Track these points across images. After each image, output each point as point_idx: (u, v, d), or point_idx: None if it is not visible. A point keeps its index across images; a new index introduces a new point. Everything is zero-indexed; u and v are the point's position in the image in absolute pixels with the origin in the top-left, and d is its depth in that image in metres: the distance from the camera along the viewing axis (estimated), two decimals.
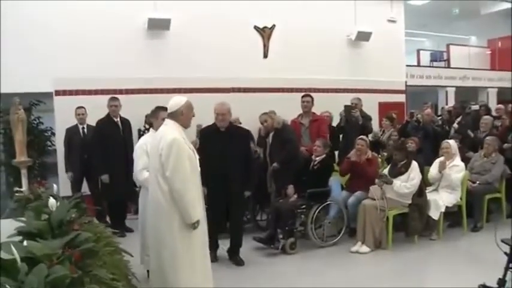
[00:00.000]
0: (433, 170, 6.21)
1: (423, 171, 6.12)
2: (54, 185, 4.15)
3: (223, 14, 8.32)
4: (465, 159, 6.53)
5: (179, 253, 3.46)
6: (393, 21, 10.35)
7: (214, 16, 8.25)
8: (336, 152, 7.29)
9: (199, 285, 3.56)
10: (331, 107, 7.77)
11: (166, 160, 3.39)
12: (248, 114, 7.92)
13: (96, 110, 6.78)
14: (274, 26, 8.94)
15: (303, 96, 7.02)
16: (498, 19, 15.38)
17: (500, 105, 9.50)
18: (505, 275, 3.63)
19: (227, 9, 8.33)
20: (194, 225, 3.46)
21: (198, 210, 3.53)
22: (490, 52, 17.28)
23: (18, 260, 1.96)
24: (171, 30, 8.01)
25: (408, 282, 4.64)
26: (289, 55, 8.82)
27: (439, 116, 10.15)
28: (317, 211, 5.73)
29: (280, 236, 5.62)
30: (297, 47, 8.84)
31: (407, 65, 11.50)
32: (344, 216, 5.98)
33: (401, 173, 5.79)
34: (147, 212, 3.87)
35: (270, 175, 6.43)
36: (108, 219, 6.37)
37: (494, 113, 8.90)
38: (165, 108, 4.38)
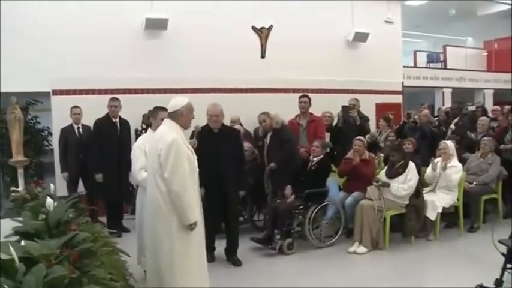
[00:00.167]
0: (430, 170, 6.21)
1: (420, 172, 6.12)
2: (51, 185, 4.13)
3: (221, 14, 8.31)
4: (462, 160, 6.54)
5: (176, 255, 3.45)
6: (390, 22, 10.37)
7: (212, 16, 8.24)
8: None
9: (196, 287, 3.56)
10: (328, 107, 7.76)
11: (165, 161, 3.38)
12: (245, 115, 7.96)
13: (93, 110, 6.76)
14: (271, 26, 8.93)
15: (300, 97, 7.02)
16: (494, 20, 15.43)
17: (497, 107, 9.53)
18: (502, 275, 3.64)
19: (225, 9, 8.33)
20: (192, 227, 3.46)
21: (196, 212, 3.53)
22: (486, 53, 17.34)
23: (16, 260, 1.95)
24: (168, 30, 7.99)
25: (405, 283, 4.64)
26: (287, 55, 8.81)
27: (435, 117, 10.19)
28: (314, 212, 5.72)
29: (278, 237, 5.62)
30: (295, 47, 8.83)
31: (404, 66, 11.51)
32: (341, 217, 5.97)
33: (399, 174, 5.79)
34: (145, 213, 3.86)
35: (267, 175, 6.42)
36: (101, 218, 6.35)
37: (490, 114, 8.93)
38: (164, 109, 4.39)
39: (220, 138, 5.13)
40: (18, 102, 4.70)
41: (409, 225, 5.75)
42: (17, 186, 4.45)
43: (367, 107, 8.83)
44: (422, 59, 16.22)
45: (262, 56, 8.97)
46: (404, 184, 5.71)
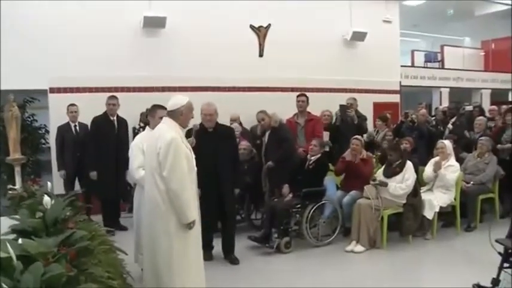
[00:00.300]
0: (428, 170, 6.23)
1: (418, 171, 6.14)
2: (49, 183, 4.12)
3: (219, 13, 8.30)
4: (459, 160, 6.55)
5: (175, 253, 3.44)
6: (388, 22, 10.37)
7: (210, 15, 8.23)
8: None
9: (194, 286, 3.55)
10: (326, 106, 7.76)
11: (164, 159, 3.38)
12: (243, 113, 7.96)
13: (91, 108, 6.75)
14: (269, 25, 8.93)
15: (298, 96, 7.03)
16: (492, 21, 15.47)
17: (494, 107, 9.57)
18: (498, 274, 3.66)
19: (223, 7, 8.32)
20: (190, 225, 3.45)
21: (194, 210, 3.52)
22: (483, 53, 17.39)
23: (14, 258, 1.94)
24: (166, 28, 7.98)
25: (402, 282, 4.65)
26: (285, 54, 8.81)
27: (432, 116, 10.21)
28: (312, 210, 5.73)
29: (275, 235, 5.60)
30: (293, 46, 8.83)
31: (401, 66, 11.53)
32: (339, 216, 5.98)
33: (396, 173, 5.80)
34: (142, 211, 3.85)
35: (265, 174, 6.42)
36: (95, 217, 6.34)
37: (487, 114, 8.96)
38: (163, 107, 4.39)
39: (215, 137, 5.14)
40: (15, 100, 4.69)
41: (406, 224, 5.76)
42: (14, 184, 4.44)
43: (365, 106, 8.84)
44: (419, 59, 16.27)
45: (261, 55, 8.96)
46: (402, 183, 5.72)
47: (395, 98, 10.60)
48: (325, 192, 5.96)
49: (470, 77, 15.25)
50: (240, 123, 7.65)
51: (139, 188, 4.36)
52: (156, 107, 4.55)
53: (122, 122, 6.70)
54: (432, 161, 6.26)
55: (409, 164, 5.85)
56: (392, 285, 4.54)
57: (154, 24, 7.91)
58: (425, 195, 6.02)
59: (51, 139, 7.38)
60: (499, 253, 3.65)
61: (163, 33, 8.05)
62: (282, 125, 6.35)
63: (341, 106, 7.51)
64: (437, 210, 5.96)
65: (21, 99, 7.66)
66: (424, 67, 15.44)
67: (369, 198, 5.69)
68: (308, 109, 6.98)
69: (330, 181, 6.19)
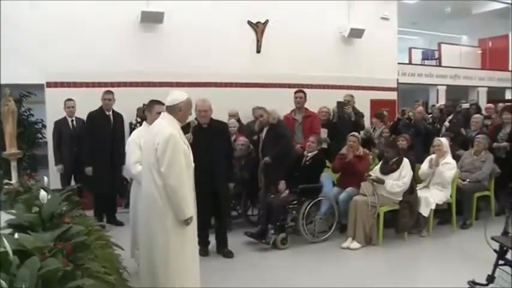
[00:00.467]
0: (425, 167, 6.24)
1: (414, 169, 6.15)
2: (45, 178, 4.11)
3: (217, 9, 8.27)
4: (455, 157, 6.57)
5: (172, 250, 3.43)
6: (386, 19, 10.36)
7: (208, 10, 8.20)
8: None
9: (189, 285, 3.55)
10: (323, 103, 7.76)
11: (162, 155, 3.36)
12: (241, 109, 7.95)
13: (87, 103, 6.72)
14: (267, 21, 8.90)
15: (296, 92, 7.02)
16: (489, 19, 15.52)
17: (490, 105, 9.60)
18: (493, 271, 3.68)
19: (220, 3, 8.29)
20: (187, 222, 3.45)
21: (191, 207, 3.52)
22: (480, 51, 17.42)
23: (10, 252, 1.94)
24: (164, 23, 7.95)
25: (398, 278, 4.67)
26: (282, 51, 8.80)
27: (429, 114, 10.23)
28: (308, 207, 5.74)
29: (272, 231, 5.62)
30: (290, 42, 8.83)
31: (399, 63, 11.52)
32: (335, 212, 5.99)
33: (393, 170, 5.81)
34: (139, 207, 3.85)
35: (261, 170, 6.42)
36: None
37: (484, 112, 8.98)
38: (160, 102, 4.39)
39: (210, 133, 5.16)
40: (11, 94, 4.66)
41: (402, 221, 5.78)
42: (10, 179, 4.42)
43: (362, 103, 8.83)
44: (417, 56, 16.29)
45: (258, 51, 8.94)
46: (399, 181, 5.73)
47: (393, 95, 10.60)
48: (322, 189, 5.97)
49: (467, 75, 15.28)
50: (238, 120, 7.64)
51: (136, 184, 4.35)
52: (154, 102, 4.54)
53: (118, 117, 6.69)
54: (429, 158, 6.27)
55: (405, 161, 5.87)
56: (388, 282, 4.56)
57: (151, 19, 7.87)
58: (421, 193, 6.04)
59: (48, 134, 7.36)
60: (495, 250, 3.68)
61: (161, 28, 8.02)
62: (280, 121, 6.35)
63: (338, 103, 7.51)
64: (433, 207, 5.97)
65: (18, 94, 7.63)
66: (421, 65, 15.46)
67: (366, 195, 5.70)
68: (305, 105, 6.97)
69: (327, 178, 6.19)
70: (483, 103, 12.35)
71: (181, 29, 8.04)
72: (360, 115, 7.81)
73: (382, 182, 5.73)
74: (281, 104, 7.01)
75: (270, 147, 6.15)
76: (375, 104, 9.70)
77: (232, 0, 8.36)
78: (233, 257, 5.28)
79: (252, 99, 8.04)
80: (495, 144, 6.93)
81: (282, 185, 5.89)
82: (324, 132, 7.04)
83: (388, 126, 8.02)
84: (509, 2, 13.77)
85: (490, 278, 3.67)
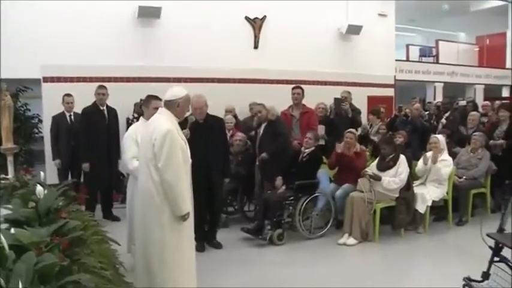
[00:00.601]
0: (421, 164, 6.26)
1: (411, 165, 6.16)
2: (42, 173, 4.11)
3: (214, 4, 8.25)
4: (452, 154, 6.58)
5: (167, 246, 3.41)
6: (384, 16, 10.36)
7: (205, 6, 8.18)
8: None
9: (185, 282, 3.55)
10: (320, 99, 7.76)
11: (159, 150, 3.35)
12: (238, 105, 7.95)
13: (84, 98, 6.70)
14: (265, 17, 8.89)
15: (293, 88, 7.02)
16: (487, 16, 15.53)
17: (487, 102, 9.63)
18: (489, 268, 3.69)
19: None
20: (184, 217, 3.44)
21: (188, 202, 3.51)
22: (478, 49, 17.44)
23: (6, 247, 1.94)
24: (161, 18, 7.92)
25: (394, 274, 4.69)
26: (280, 47, 8.79)
27: (426, 111, 10.25)
28: (305, 203, 5.75)
29: (268, 227, 5.63)
30: (288, 38, 8.82)
31: (396, 60, 11.53)
32: (332, 209, 6.00)
33: (390, 167, 5.83)
34: (136, 202, 3.84)
35: (258, 166, 6.42)
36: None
37: (480, 110, 9.00)
38: (157, 97, 4.38)
39: (206, 128, 5.18)
40: (8, 88, 4.64)
41: (398, 217, 5.80)
42: (6, 174, 4.41)
43: (359, 99, 8.84)
44: (414, 53, 16.29)
45: (256, 47, 8.93)
46: (395, 177, 5.75)
47: (390, 92, 10.61)
48: (318, 185, 5.98)
49: (464, 72, 15.30)
50: (235, 115, 7.63)
51: (133, 179, 4.35)
52: (151, 98, 4.53)
53: (112, 112, 6.67)
54: (426, 155, 6.28)
55: (402, 158, 5.88)
56: (384, 278, 4.57)
57: (149, 14, 7.84)
58: (417, 189, 6.06)
59: (44, 129, 7.34)
60: (490, 247, 3.68)
61: (158, 23, 7.99)
62: (278, 118, 6.33)
63: (335, 99, 7.51)
64: (429, 204, 5.99)
65: (14, 88, 7.60)
66: (418, 61, 15.47)
67: (362, 191, 5.71)
68: (303, 102, 6.97)
69: (323, 174, 6.20)
70: (480, 100, 12.38)
71: (179, 24, 8.02)
72: (357, 112, 7.82)
73: (379, 178, 5.74)
74: (278, 100, 7.01)
75: (267, 144, 6.15)
76: (372, 101, 9.71)
77: None
78: (221, 248, 5.38)
79: (249, 95, 8.04)
80: (491, 141, 6.94)
81: (278, 181, 5.89)
82: (321, 129, 7.04)
83: (385, 123, 8.03)
84: None
85: (485, 275, 3.68)
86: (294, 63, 8.89)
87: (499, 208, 6.71)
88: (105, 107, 6.57)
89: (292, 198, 5.78)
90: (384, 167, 5.88)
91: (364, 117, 8.61)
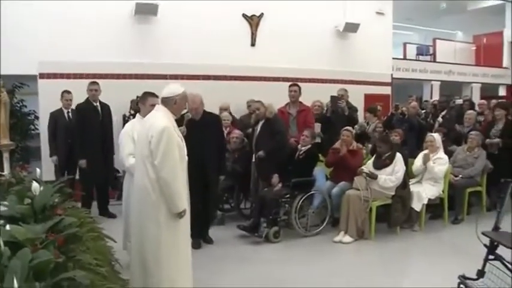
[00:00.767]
0: (417, 163, 6.27)
1: (407, 164, 6.17)
2: (38, 169, 4.09)
3: (211, 1, 8.23)
4: (448, 153, 6.60)
5: (163, 244, 3.40)
6: (381, 14, 10.36)
7: (202, 3, 8.16)
8: None
9: (181, 280, 3.55)
10: (317, 97, 7.76)
11: (155, 147, 3.34)
12: (235, 102, 7.94)
13: (81, 94, 6.67)
14: (262, 14, 8.88)
15: (290, 86, 7.01)
16: (484, 15, 15.56)
17: (483, 101, 9.64)
18: (484, 266, 3.70)
19: None
20: (181, 215, 3.44)
21: (185, 200, 3.51)
22: (475, 48, 17.48)
23: (2, 244, 1.94)
24: (158, 15, 7.90)
25: (390, 272, 4.71)
26: (277, 44, 8.78)
27: (422, 109, 10.27)
28: (301, 201, 5.75)
29: (264, 225, 5.63)
30: (285, 36, 8.81)
31: (393, 58, 11.54)
32: (328, 206, 6.00)
33: (386, 165, 5.83)
34: (132, 199, 3.84)
35: (255, 163, 6.42)
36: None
37: (477, 108, 9.02)
38: (154, 94, 4.38)
39: (202, 125, 5.18)
40: (4, 85, 4.63)
41: (394, 215, 5.81)
42: (2, 171, 4.39)
43: (356, 97, 8.84)
44: (411, 52, 16.32)
45: (253, 44, 8.92)
46: (392, 176, 5.76)
47: (387, 90, 10.62)
48: (315, 183, 5.98)
49: (461, 71, 15.34)
50: (230, 113, 7.62)
51: (129, 176, 4.34)
52: (147, 95, 4.52)
53: (105, 107, 6.64)
54: (421, 154, 6.29)
55: (398, 156, 5.89)
56: (380, 276, 4.60)
57: (146, 11, 7.83)
58: (414, 187, 6.07)
59: (41, 125, 7.32)
60: (485, 245, 3.70)
61: (155, 20, 7.98)
62: (276, 116, 6.31)
63: (332, 97, 7.51)
64: (425, 202, 6.01)
65: (10, 85, 7.58)
66: (415, 60, 15.50)
67: (358, 189, 5.72)
68: (299, 99, 6.97)
69: (320, 172, 6.21)
70: (477, 99, 12.41)
71: (176, 21, 8.01)
72: (353, 109, 7.82)
73: (375, 177, 5.75)
74: (275, 98, 6.99)
75: (264, 142, 6.13)
76: (369, 99, 9.72)
77: None
78: (213, 243, 5.45)
79: (246, 93, 8.04)
80: (488, 140, 6.95)
81: (275, 178, 5.89)
82: (317, 127, 7.04)
83: (381, 121, 8.04)
84: None
85: (480, 273, 3.69)
86: (291, 60, 8.89)
87: (494, 206, 6.71)
88: (98, 103, 6.55)
89: (288, 195, 5.78)
90: (380, 165, 5.89)
91: (360, 115, 8.61)
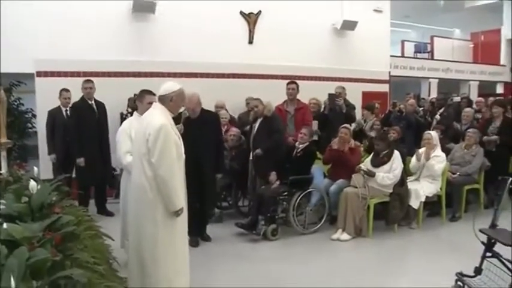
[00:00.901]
0: (415, 161, 6.28)
1: (405, 161, 6.18)
2: (35, 168, 4.08)
3: None
4: (446, 150, 6.61)
5: (160, 242, 3.40)
6: (379, 12, 10.35)
7: (200, 0, 8.14)
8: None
9: (178, 278, 3.55)
10: (315, 95, 7.77)
11: (153, 145, 3.33)
12: (232, 100, 7.94)
13: (78, 93, 6.65)
14: (260, 12, 8.87)
15: (288, 83, 7.01)
16: (482, 13, 15.58)
17: (481, 98, 9.66)
18: (481, 263, 3.72)
19: None
20: (178, 213, 3.43)
21: (182, 198, 3.51)
22: (473, 45, 17.49)
23: None
24: (156, 13, 7.88)
25: (388, 270, 4.72)
26: (275, 42, 8.77)
27: (420, 107, 10.27)
28: (299, 198, 5.75)
29: (262, 223, 5.63)
30: (283, 33, 8.79)
31: (391, 56, 11.53)
32: (326, 204, 6.01)
33: (384, 163, 5.84)
34: (129, 197, 3.83)
35: (252, 161, 6.42)
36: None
37: (474, 106, 9.03)
38: (151, 92, 4.37)
39: (199, 124, 5.18)
40: (1, 83, 4.61)
41: (392, 213, 5.82)
42: None
43: (354, 95, 8.84)
44: (409, 49, 16.34)
45: (250, 42, 8.91)
46: (390, 173, 5.76)
47: (385, 88, 10.62)
48: (312, 180, 5.99)
49: (459, 69, 15.34)
50: (226, 110, 7.61)
51: (126, 174, 4.34)
52: (145, 92, 4.51)
53: (101, 106, 6.63)
54: (418, 151, 6.30)
55: (396, 154, 5.89)
56: (378, 273, 4.60)
57: (143, 9, 7.80)
58: (411, 185, 6.08)
59: (38, 123, 7.30)
60: (482, 243, 3.71)
61: (153, 18, 7.95)
62: (274, 114, 6.31)
63: (330, 95, 7.51)
64: (423, 199, 6.02)
65: (8, 83, 7.55)
66: (413, 58, 15.50)
67: (356, 187, 5.72)
68: (297, 97, 6.97)
69: (317, 169, 6.22)
70: (474, 97, 12.44)
71: (174, 19, 7.99)
72: (351, 107, 7.82)
73: (373, 174, 5.75)
74: (273, 95, 6.99)
75: (261, 139, 6.13)
76: (367, 97, 9.72)
77: None
78: (211, 240, 5.45)
79: (243, 90, 8.04)
80: (485, 137, 6.97)
81: (272, 176, 5.89)
82: (314, 124, 7.05)
83: (379, 119, 8.04)
84: None
85: (478, 270, 3.71)
86: (289, 58, 8.88)
87: (492, 204, 6.74)
88: (93, 101, 6.53)
89: (286, 193, 5.78)
90: (378, 162, 5.90)
91: (358, 113, 8.61)
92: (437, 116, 8.48)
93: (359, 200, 5.67)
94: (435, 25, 16.71)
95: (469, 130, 6.83)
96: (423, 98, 12.48)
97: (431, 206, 6.44)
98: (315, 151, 6.21)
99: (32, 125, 8.31)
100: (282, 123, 6.53)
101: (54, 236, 2.24)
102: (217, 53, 8.26)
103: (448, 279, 3.89)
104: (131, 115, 5.35)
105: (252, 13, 8.84)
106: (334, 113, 7.35)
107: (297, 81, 7.13)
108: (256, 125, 6.26)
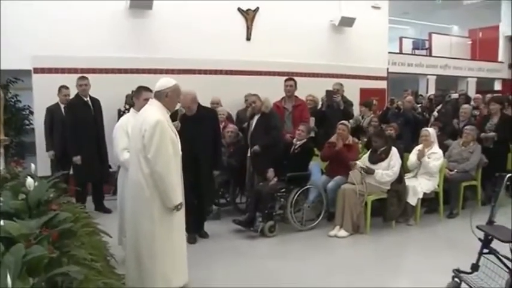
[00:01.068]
0: (413, 158, 6.29)
1: (403, 158, 6.19)
2: (32, 165, 4.07)
3: None
4: (443, 147, 6.62)
5: (157, 238, 3.41)
6: (377, 8, 10.34)
7: None
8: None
9: (176, 274, 3.54)
10: (313, 91, 7.76)
11: (149, 142, 3.33)
12: (230, 97, 7.93)
13: (75, 89, 6.63)
14: (257, 8, 8.84)
15: (286, 80, 7.00)
16: (480, 10, 15.59)
17: (478, 95, 9.67)
18: (478, 260, 3.72)
19: None
20: (177, 208, 3.43)
21: (179, 194, 3.50)
22: (470, 42, 17.50)
23: None
24: (153, 9, 7.86)
25: (385, 266, 4.72)
26: (272, 38, 8.75)
27: (418, 103, 10.27)
28: (297, 195, 5.76)
29: (260, 219, 5.64)
30: (280, 30, 8.78)
31: (389, 52, 11.53)
32: (323, 201, 6.01)
33: (382, 160, 5.84)
34: (126, 194, 3.83)
35: (250, 158, 6.41)
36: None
37: (472, 103, 9.03)
38: (148, 89, 4.36)
39: (196, 121, 5.17)
40: None
41: (390, 210, 5.82)
42: None
43: (352, 92, 8.85)
44: (407, 46, 16.34)
45: (248, 39, 8.89)
46: (388, 170, 5.76)
47: (383, 85, 10.62)
48: (310, 177, 5.99)
49: (457, 65, 15.37)
50: (222, 107, 7.59)
51: (124, 171, 4.34)
52: (141, 89, 4.51)
53: (96, 102, 6.61)
54: (416, 148, 6.31)
55: (394, 151, 5.89)
56: (375, 270, 4.61)
57: (141, 5, 7.76)
58: (409, 182, 6.08)
59: (35, 120, 7.28)
60: (479, 239, 3.71)
61: (150, 14, 7.92)
62: (272, 111, 6.30)
63: (327, 91, 7.51)
64: (420, 196, 6.02)
65: (5, 80, 7.53)
66: (411, 54, 15.51)
67: (354, 184, 5.73)
68: (295, 94, 6.96)
69: (315, 166, 6.21)
70: (472, 93, 12.44)
71: (171, 16, 7.96)
72: (349, 104, 7.82)
73: (371, 172, 5.75)
74: (271, 92, 6.98)
75: (259, 136, 6.12)
76: (365, 93, 9.72)
77: None
78: (208, 237, 5.45)
79: (241, 87, 8.03)
80: (483, 134, 6.97)
81: (270, 172, 5.89)
82: (311, 121, 7.04)
83: (377, 115, 8.04)
84: None
85: (475, 267, 3.71)
86: (287, 55, 8.85)
87: (489, 200, 6.74)
88: (88, 98, 6.52)
89: (283, 190, 5.78)
90: (376, 159, 5.90)
91: (356, 110, 8.61)
92: (435, 113, 8.48)
93: (357, 196, 5.67)
94: (433, 22, 16.72)
95: (466, 127, 6.83)
96: (421, 95, 12.48)
97: (429, 202, 6.45)
98: (313, 148, 6.21)
99: (29, 122, 8.29)
100: (280, 120, 6.52)
101: (51, 233, 2.23)
102: (215, 50, 8.24)
103: (445, 275, 3.89)
104: (129, 112, 5.34)
105: (249, 10, 8.82)
106: (332, 110, 7.35)
107: (295, 78, 7.12)
108: (254, 122, 6.25)
